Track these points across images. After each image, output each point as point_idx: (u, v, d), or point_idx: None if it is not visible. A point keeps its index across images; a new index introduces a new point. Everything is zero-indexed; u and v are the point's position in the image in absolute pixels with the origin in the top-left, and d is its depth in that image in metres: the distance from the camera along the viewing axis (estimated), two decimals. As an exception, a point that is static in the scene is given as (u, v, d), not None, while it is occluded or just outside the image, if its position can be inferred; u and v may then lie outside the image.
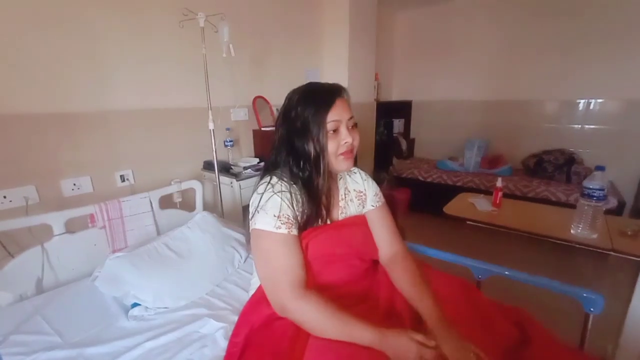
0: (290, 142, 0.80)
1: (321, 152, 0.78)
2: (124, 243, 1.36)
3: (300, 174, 0.80)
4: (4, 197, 1.32)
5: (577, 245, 1.32)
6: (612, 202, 2.41)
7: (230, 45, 1.64)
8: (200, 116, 1.88)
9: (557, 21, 2.88)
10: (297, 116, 0.78)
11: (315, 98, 0.79)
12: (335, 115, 0.77)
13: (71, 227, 1.26)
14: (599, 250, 1.27)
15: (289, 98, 0.82)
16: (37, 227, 1.19)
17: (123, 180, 1.72)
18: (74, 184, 1.54)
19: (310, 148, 0.78)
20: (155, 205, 1.50)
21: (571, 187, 2.57)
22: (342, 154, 0.80)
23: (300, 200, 0.80)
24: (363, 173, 1.00)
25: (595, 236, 1.34)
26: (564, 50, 2.89)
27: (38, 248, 1.18)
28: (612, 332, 1.16)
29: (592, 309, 0.91)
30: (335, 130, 0.79)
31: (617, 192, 2.57)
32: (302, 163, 0.80)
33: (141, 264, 1.10)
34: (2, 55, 1.28)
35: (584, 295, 0.92)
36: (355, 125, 0.83)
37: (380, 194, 0.98)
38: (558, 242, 1.39)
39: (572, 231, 1.39)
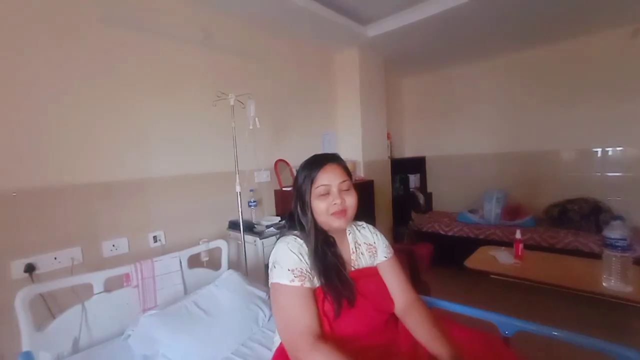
0: (297, 202, 0.94)
1: (308, 210, 0.90)
2: (154, 302, 1.43)
3: (306, 228, 0.91)
4: (55, 258, 1.46)
5: (611, 300, 1.26)
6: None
7: (256, 119, 1.87)
8: (227, 180, 2.07)
9: (562, 74, 3.06)
10: (298, 180, 0.94)
11: (310, 165, 0.93)
12: (325, 180, 0.89)
13: (109, 286, 1.36)
14: (635, 305, 1.20)
15: (300, 166, 0.97)
16: (78, 286, 1.29)
17: (155, 241, 1.84)
18: (113, 245, 1.67)
19: (299, 207, 0.92)
20: (184, 264, 1.59)
21: (602, 237, 2.47)
22: (332, 213, 0.89)
23: (310, 253, 0.88)
24: (371, 227, 1.08)
25: (630, 289, 1.28)
26: (571, 101, 3.03)
27: (77, 308, 1.26)
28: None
29: (632, 368, 0.85)
30: (326, 193, 0.90)
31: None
32: (302, 221, 0.92)
33: (172, 322, 1.15)
34: (57, 135, 1.50)
35: (622, 352, 0.88)
36: (350, 189, 0.93)
37: (389, 246, 1.04)
38: (591, 295, 1.32)
39: (604, 284, 1.34)
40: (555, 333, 0.97)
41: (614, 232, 1.28)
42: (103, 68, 1.64)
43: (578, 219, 2.71)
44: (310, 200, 0.90)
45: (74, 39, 1.55)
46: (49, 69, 1.48)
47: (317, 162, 0.92)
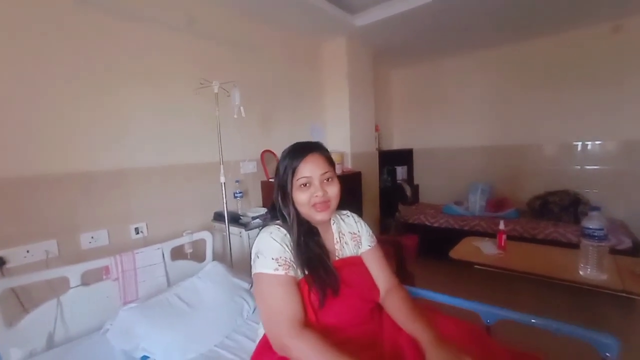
0: (278, 192, 0.92)
1: (289, 202, 0.88)
2: (135, 295, 1.39)
3: (288, 220, 0.89)
4: (27, 251, 1.39)
5: (587, 287, 1.30)
6: (626, 243, 2.36)
7: (241, 108, 1.82)
8: (212, 170, 2.02)
9: (546, 69, 3.12)
10: (279, 171, 0.91)
11: (291, 155, 0.90)
12: (306, 172, 0.87)
13: (87, 280, 1.31)
14: (609, 292, 1.25)
15: (281, 155, 0.94)
16: (54, 280, 1.24)
17: (137, 233, 1.79)
18: (92, 237, 1.61)
19: (281, 198, 0.90)
20: (167, 256, 1.55)
21: (580, 227, 2.56)
22: (314, 205, 0.87)
23: (293, 244, 0.86)
24: (355, 216, 1.07)
25: (604, 277, 1.33)
26: (555, 97, 3.09)
27: (52, 302, 1.21)
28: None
29: (607, 354, 0.88)
30: (307, 184, 0.87)
31: (631, 233, 2.52)
32: (284, 212, 0.90)
33: (153, 315, 1.12)
34: (30, 123, 1.42)
35: (598, 338, 0.90)
36: (332, 179, 0.90)
37: (373, 235, 1.04)
38: (568, 283, 1.37)
39: (580, 272, 1.38)
40: (534, 321, 1.00)
41: (593, 222, 1.32)
42: (79, 53, 1.55)
43: (558, 210, 2.79)
44: (291, 192, 0.88)
45: (46, 21, 1.46)
46: (19, 54, 1.38)
47: (298, 152, 0.89)
